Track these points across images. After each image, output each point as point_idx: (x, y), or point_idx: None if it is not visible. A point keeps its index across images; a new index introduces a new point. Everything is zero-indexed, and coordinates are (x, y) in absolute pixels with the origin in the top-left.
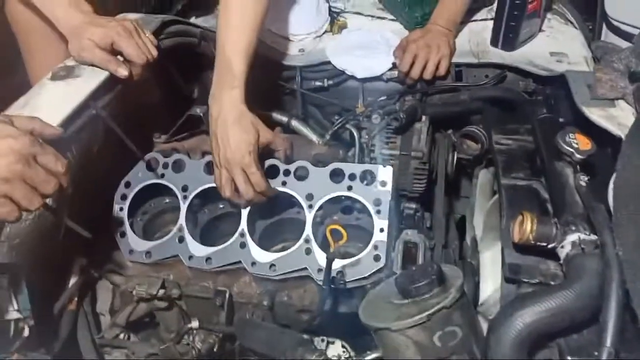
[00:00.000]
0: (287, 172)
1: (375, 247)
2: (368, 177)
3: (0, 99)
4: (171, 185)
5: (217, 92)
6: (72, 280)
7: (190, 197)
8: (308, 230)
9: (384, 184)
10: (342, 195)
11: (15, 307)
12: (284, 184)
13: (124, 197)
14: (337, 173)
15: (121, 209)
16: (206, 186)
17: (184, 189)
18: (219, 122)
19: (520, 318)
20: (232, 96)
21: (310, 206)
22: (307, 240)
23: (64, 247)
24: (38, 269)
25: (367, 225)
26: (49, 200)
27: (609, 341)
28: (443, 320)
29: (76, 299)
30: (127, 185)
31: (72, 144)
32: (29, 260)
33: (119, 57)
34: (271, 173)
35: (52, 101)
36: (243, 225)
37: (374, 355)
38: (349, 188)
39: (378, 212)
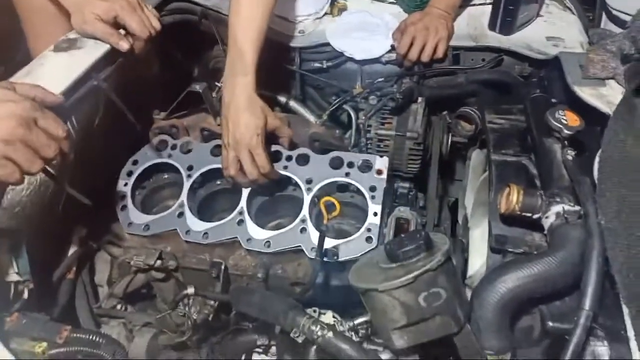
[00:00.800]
0: (289, 158)
1: (368, 230)
2: (365, 166)
3: (3, 78)
4: (177, 165)
5: (230, 78)
6: (71, 250)
7: (195, 175)
8: (305, 211)
9: (379, 172)
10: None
11: (16, 270)
12: (285, 168)
13: (129, 174)
14: (336, 161)
15: (125, 184)
16: (212, 166)
17: (189, 168)
18: (231, 106)
19: (503, 283)
20: (244, 83)
21: (309, 189)
22: (303, 220)
23: (64, 217)
24: (38, 237)
25: (359, 203)
26: (49, 169)
27: (587, 304)
28: (428, 282)
29: (75, 268)
30: (135, 162)
31: (73, 114)
32: (29, 227)
33: (121, 31)
34: (274, 157)
35: (54, 71)
36: (242, 204)
37: (362, 319)
38: (347, 174)
39: (373, 197)
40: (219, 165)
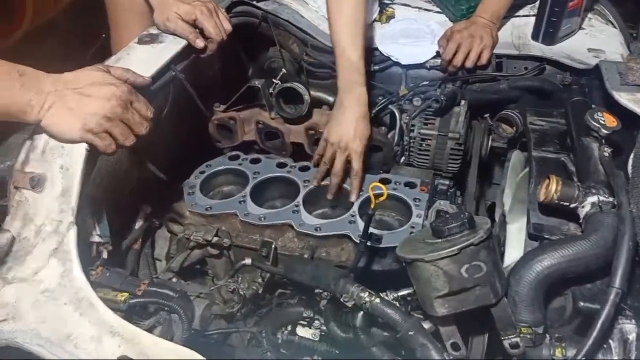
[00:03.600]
0: None
1: (412, 227)
2: (410, 184)
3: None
4: (245, 170)
5: (346, 87)
6: (138, 224)
7: (260, 178)
8: (355, 208)
9: (423, 190)
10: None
11: (98, 232)
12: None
13: (202, 172)
14: (385, 180)
15: (196, 178)
16: (276, 174)
17: (255, 173)
18: (347, 112)
19: (540, 262)
20: (361, 93)
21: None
22: (352, 215)
23: (133, 193)
24: (112, 208)
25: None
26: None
27: (617, 283)
28: (470, 255)
29: (140, 241)
30: (208, 165)
31: (155, 99)
32: (106, 197)
33: (197, 30)
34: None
35: (140, 61)
36: (299, 199)
37: (406, 292)
38: (394, 189)
39: (417, 205)
40: (283, 174)
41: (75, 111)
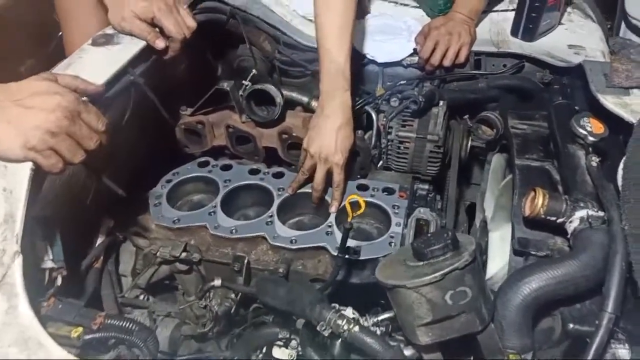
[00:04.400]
0: None
1: (391, 237)
2: (388, 190)
3: (35, 69)
4: (216, 178)
5: (330, 92)
6: (99, 240)
7: (231, 186)
8: (331, 218)
9: (402, 196)
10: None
11: (50, 257)
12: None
13: (169, 181)
14: (363, 186)
15: (162, 187)
16: (248, 182)
17: (226, 181)
18: (329, 120)
19: (527, 284)
20: (344, 99)
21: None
22: (329, 225)
23: (92, 208)
24: (68, 226)
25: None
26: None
27: (610, 307)
28: (455, 281)
29: (102, 258)
30: (175, 173)
31: (110, 107)
32: (61, 216)
33: (156, 29)
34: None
35: (93, 65)
36: (274, 209)
37: (385, 315)
38: (372, 196)
39: (395, 213)
40: (255, 182)
41: (15, 126)
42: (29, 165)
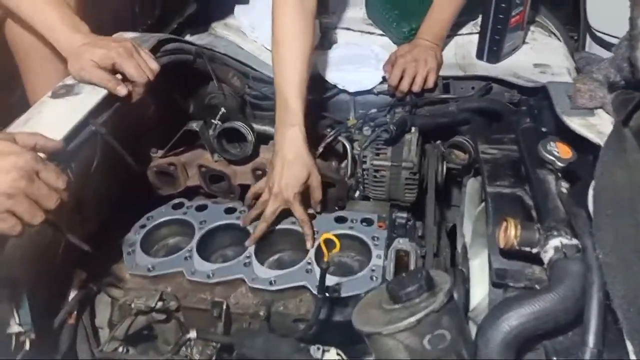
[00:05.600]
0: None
1: (372, 270)
2: (367, 221)
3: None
4: (191, 220)
5: (280, 128)
6: (72, 294)
7: (207, 228)
8: (311, 254)
9: (381, 226)
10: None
11: (17, 321)
12: (293, 222)
13: (142, 227)
14: (341, 218)
15: (136, 233)
16: (224, 222)
17: (202, 222)
18: (278, 156)
19: (506, 321)
20: (292, 135)
21: (315, 238)
22: (308, 263)
23: (63, 261)
24: (38, 284)
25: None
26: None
27: (591, 342)
28: (432, 324)
29: (75, 312)
30: (149, 218)
31: (72, 160)
32: (29, 275)
33: (118, 75)
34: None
35: (53, 118)
36: (251, 250)
37: (369, 359)
38: (351, 228)
39: (376, 245)
40: (232, 221)
41: None
42: None
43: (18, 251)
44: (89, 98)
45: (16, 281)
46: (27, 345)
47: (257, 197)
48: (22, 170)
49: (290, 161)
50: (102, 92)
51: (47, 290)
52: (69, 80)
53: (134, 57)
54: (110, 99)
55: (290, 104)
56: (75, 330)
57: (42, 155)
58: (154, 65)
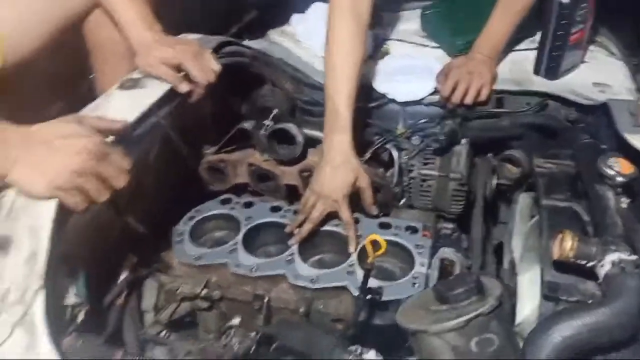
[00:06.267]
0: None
1: (415, 277)
2: (412, 229)
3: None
4: (237, 215)
5: (328, 134)
6: (122, 276)
7: (252, 224)
8: (353, 257)
9: (425, 235)
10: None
11: (74, 293)
12: (336, 225)
13: (191, 218)
14: (385, 224)
15: (185, 224)
16: (269, 219)
17: (248, 218)
18: (326, 160)
19: (558, 331)
20: (341, 141)
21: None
22: (350, 265)
23: (117, 244)
24: (92, 263)
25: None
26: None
27: None
28: (480, 327)
29: (124, 294)
30: (198, 211)
31: (135, 148)
32: (86, 252)
33: (182, 73)
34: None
35: (120, 108)
36: (295, 248)
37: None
38: (395, 234)
39: (420, 253)
40: (277, 219)
41: (42, 166)
42: (53, 204)
43: (77, 231)
44: (154, 91)
45: (75, 257)
46: (81, 317)
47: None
48: (92, 152)
49: (337, 164)
50: (166, 88)
51: (99, 270)
52: (136, 74)
53: (198, 60)
54: (172, 95)
55: (340, 111)
56: (123, 311)
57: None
58: (216, 67)
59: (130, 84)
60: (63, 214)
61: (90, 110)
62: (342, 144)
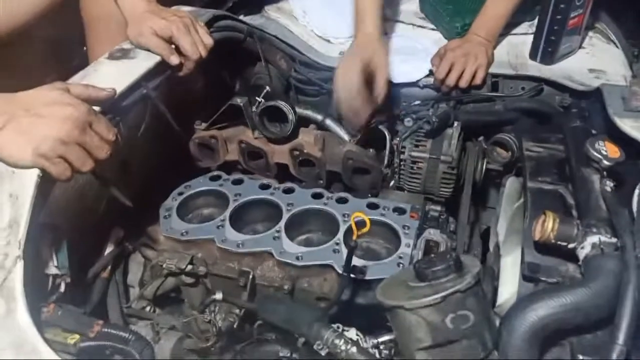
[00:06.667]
0: (329, 197)
1: (400, 257)
2: (399, 210)
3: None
4: (226, 192)
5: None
6: (108, 250)
7: (241, 201)
8: (340, 236)
9: (413, 216)
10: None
11: (55, 263)
12: (325, 204)
13: (180, 194)
14: (373, 205)
15: (173, 200)
16: (258, 197)
17: (237, 195)
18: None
19: (534, 311)
20: (369, 32)
21: (345, 221)
22: (336, 243)
23: (103, 217)
24: (77, 235)
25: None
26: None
27: (621, 339)
28: (456, 304)
29: (109, 267)
30: (187, 187)
31: (123, 118)
32: (70, 225)
33: (172, 46)
34: (316, 197)
35: (108, 78)
36: (282, 225)
37: (386, 337)
38: (382, 215)
39: (406, 234)
40: (266, 197)
41: (27, 134)
42: (35, 172)
43: (63, 202)
44: (143, 63)
45: (58, 227)
46: (62, 288)
47: None
48: (77, 120)
49: (351, 54)
50: (156, 59)
51: (85, 242)
52: (126, 45)
53: (191, 33)
54: (162, 67)
55: (368, 19)
56: (108, 284)
57: (95, 108)
58: (209, 41)
59: (119, 54)
60: (45, 182)
61: (78, 79)
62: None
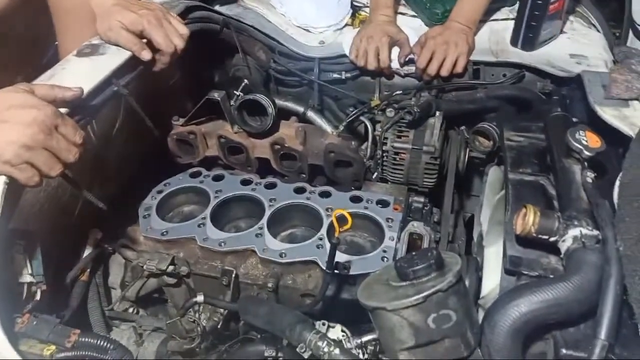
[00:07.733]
0: (312, 191)
1: (384, 251)
2: (383, 202)
3: (29, 80)
4: (207, 189)
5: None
6: (86, 252)
7: (222, 197)
8: (323, 231)
9: (396, 209)
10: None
11: (29, 271)
12: (307, 198)
13: (159, 192)
14: (356, 198)
15: (153, 198)
16: (239, 193)
17: (218, 191)
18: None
19: (516, 307)
20: (379, 17)
21: (328, 216)
22: (320, 238)
23: (79, 220)
24: (53, 239)
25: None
26: (68, 173)
27: (603, 334)
28: (438, 303)
29: (88, 270)
30: (167, 184)
31: (94, 118)
32: (45, 229)
33: (143, 40)
34: (298, 191)
35: (76, 76)
36: (264, 221)
37: (370, 337)
38: (365, 208)
39: (390, 227)
40: (247, 193)
41: None
42: (2, 179)
43: (36, 206)
44: (114, 58)
45: (31, 233)
46: (38, 296)
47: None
48: (43, 124)
49: (372, 23)
50: (127, 55)
51: (61, 246)
52: (95, 40)
53: (163, 26)
54: (134, 62)
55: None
56: (87, 287)
57: (62, 110)
58: (184, 30)
59: (88, 51)
60: (13, 188)
61: (44, 79)
62: (378, 19)
